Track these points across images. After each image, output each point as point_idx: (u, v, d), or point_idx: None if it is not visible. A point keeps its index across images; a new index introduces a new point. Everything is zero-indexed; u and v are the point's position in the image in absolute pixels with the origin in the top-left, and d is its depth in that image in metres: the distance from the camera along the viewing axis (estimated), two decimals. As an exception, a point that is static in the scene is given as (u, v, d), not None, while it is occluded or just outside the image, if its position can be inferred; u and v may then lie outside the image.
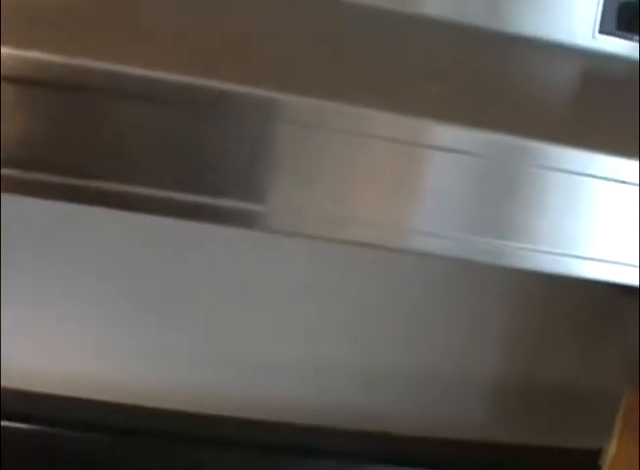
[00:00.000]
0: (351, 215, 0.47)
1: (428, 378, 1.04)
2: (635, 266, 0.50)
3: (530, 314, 1.03)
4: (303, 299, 0.98)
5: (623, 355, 1.02)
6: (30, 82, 0.43)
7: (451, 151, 0.46)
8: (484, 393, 1.06)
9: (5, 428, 0.89)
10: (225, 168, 0.44)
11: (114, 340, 0.97)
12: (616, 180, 0.48)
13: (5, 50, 0.42)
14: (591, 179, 0.48)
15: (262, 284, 0.96)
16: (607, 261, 0.50)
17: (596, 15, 0.60)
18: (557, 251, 0.48)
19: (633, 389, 0.89)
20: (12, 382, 0.92)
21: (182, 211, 0.45)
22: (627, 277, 0.50)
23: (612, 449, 0.90)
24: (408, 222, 0.48)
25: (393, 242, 0.48)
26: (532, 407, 1.06)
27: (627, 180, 0.48)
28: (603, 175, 0.48)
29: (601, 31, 0.61)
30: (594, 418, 1.00)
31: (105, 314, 0.96)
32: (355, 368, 1.02)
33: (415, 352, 1.03)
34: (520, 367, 1.05)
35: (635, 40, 0.61)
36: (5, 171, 0.43)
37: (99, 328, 0.96)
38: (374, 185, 0.47)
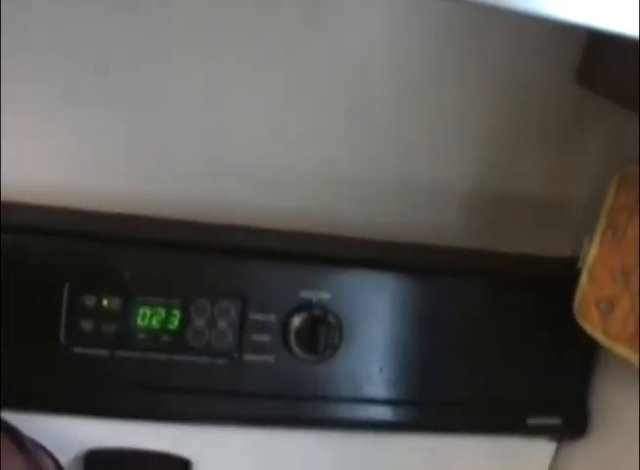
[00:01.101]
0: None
1: (405, 186, 1.08)
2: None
3: (506, 121, 1.04)
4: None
5: (598, 162, 1.04)
6: None
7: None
8: (460, 201, 1.11)
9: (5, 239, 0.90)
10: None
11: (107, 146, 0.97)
12: None
13: None
14: None
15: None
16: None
17: None
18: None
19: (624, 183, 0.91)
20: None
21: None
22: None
23: (593, 251, 0.93)
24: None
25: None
26: (507, 216, 1.12)
27: None
28: None
29: None
30: (568, 228, 1.04)
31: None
32: (344, 175, 1.06)
33: (394, 159, 1.07)
34: (495, 175, 1.10)
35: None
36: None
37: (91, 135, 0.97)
38: None
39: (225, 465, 1.03)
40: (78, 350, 0.95)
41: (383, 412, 1.02)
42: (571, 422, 1.08)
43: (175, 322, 0.96)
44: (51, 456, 0.88)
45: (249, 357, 0.98)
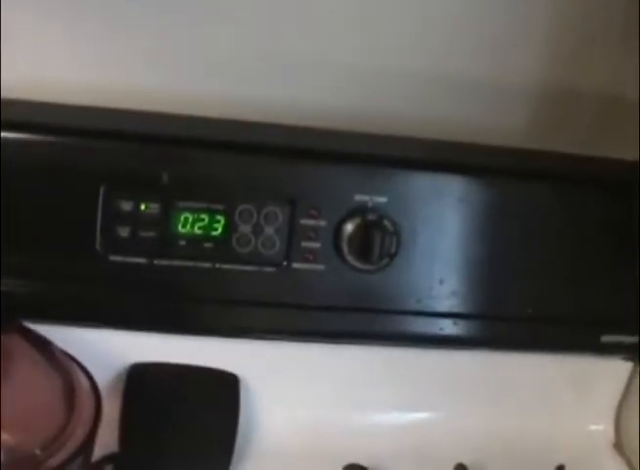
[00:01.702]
0: None
1: (468, 83, 1.02)
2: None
3: (571, 17, 0.96)
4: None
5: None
6: None
7: None
8: (525, 100, 1.05)
9: (5, 138, 0.85)
10: None
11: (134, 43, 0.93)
12: None
13: None
14: None
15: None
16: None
17: None
18: None
19: None
20: (12, 92, 0.89)
21: None
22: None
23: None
24: None
25: None
26: (572, 117, 1.06)
27: None
28: None
29: None
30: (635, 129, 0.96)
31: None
32: (390, 71, 1.00)
33: (456, 55, 1.02)
34: (560, 74, 1.03)
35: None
36: None
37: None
38: None
39: (274, 380, 0.99)
40: (115, 258, 0.91)
41: (444, 327, 0.97)
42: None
43: (219, 229, 0.91)
44: (84, 371, 0.83)
45: (297, 266, 0.93)
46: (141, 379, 0.97)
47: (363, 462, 0.95)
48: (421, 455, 0.98)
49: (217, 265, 0.91)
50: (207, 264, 0.91)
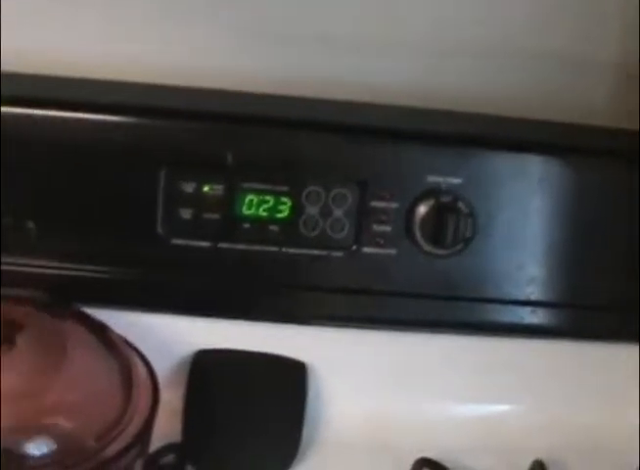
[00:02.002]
0: None
1: (547, 58, 0.98)
2: None
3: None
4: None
5: None
6: None
7: None
8: (607, 77, 1.02)
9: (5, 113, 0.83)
10: None
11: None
12: None
13: None
14: None
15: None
16: None
17: None
18: None
19: None
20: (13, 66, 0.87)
21: None
22: None
23: None
24: None
25: None
26: None
27: None
28: None
29: None
30: None
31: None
32: (463, 44, 0.97)
33: (534, 28, 0.98)
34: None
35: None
36: None
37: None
38: None
39: (343, 369, 0.95)
40: (177, 241, 0.88)
41: (522, 315, 0.92)
42: None
43: (285, 211, 0.88)
44: (143, 358, 0.80)
45: (367, 250, 0.89)
46: (205, 366, 0.95)
47: (435, 456, 0.91)
48: (496, 450, 0.94)
49: (283, 249, 0.89)
50: (273, 248, 0.89)
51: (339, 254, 0.89)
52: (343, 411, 0.96)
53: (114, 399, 0.77)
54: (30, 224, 0.86)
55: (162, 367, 0.88)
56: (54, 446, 0.72)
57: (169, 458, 0.89)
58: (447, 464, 0.91)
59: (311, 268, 0.90)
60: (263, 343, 0.95)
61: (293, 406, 0.94)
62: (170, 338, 0.92)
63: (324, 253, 0.89)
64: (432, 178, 0.88)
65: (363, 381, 0.96)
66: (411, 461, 0.91)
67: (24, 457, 0.72)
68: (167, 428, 0.89)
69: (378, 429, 0.94)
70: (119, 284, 0.89)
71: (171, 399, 0.90)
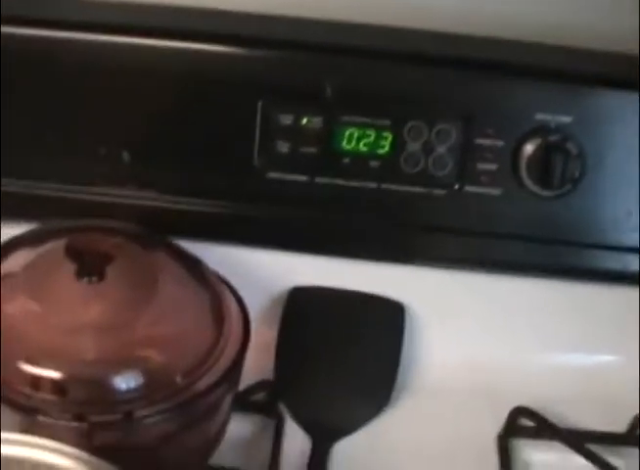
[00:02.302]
0: None
1: None
2: None
3: None
4: None
5: None
6: None
7: None
8: None
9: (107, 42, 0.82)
10: None
11: None
12: None
13: None
14: None
15: None
16: None
17: None
18: None
19: None
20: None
21: None
22: None
23: None
24: None
25: None
26: None
27: None
28: None
29: None
30: None
31: None
32: None
33: None
34: None
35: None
36: None
37: None
38: None
39: (441, 311, 0.93)
40: (274, 174, 0.87)
41: (628, 263, 0.89)
42: None
43: (386, 146, 0.86)
44: (235, 294, 0.79)
45: (470, 189, 0.87)
46: (301, 303, 0.94)
47: (533, 405, 0.88)
48: (596, 402, 0.91)
49: (383, 186, 0.87)
50: (372, 185, 0.87)
51: (440, 192, 0.87)
52: (440, 355, 0.95)
53: (205, 334, 0.76)
54: (125, 155, 0.85)
55: (256, 304, 0.87)
56: (142, 381, 0.72)
57: (260, 396, 0.88)
58: (545, 414, 0.88)
59: (411, 206, 0.88)
60: (361, 281, 0.94)
61: (388, 348, 0.93)
62: (265, 274, 0.92)
63: (425, 190, 0.87)
64: (540, 116, 0.85)
65: (462, 325, 0.94)
66: (508, 409, 0.89)
67: (113, 390, 0.71)
68: (259, 366, 0.89)
69: (475, 375, 0.93)
70: (214, 217, 0.89)
71: (264, 337, 0.89)
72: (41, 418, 0.70)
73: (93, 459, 0.64)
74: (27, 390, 0.71)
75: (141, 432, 0.73)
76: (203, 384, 0.74)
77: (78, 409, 0.71)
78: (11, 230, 0.83)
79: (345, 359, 0.91)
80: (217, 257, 0.85)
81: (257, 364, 0.87)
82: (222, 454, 0.81)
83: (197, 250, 0.84)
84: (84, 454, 0.64)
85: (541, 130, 0.85)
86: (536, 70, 0.87)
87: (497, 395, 0.90)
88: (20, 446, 0.65)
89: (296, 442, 0.87)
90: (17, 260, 0.78)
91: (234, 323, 0.78)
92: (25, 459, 0.65)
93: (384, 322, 0.93)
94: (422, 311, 0.94)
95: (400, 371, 0.92)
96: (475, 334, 0.94)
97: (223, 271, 0.84)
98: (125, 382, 0.72)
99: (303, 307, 0.93)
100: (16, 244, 0.80)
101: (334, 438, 0.87)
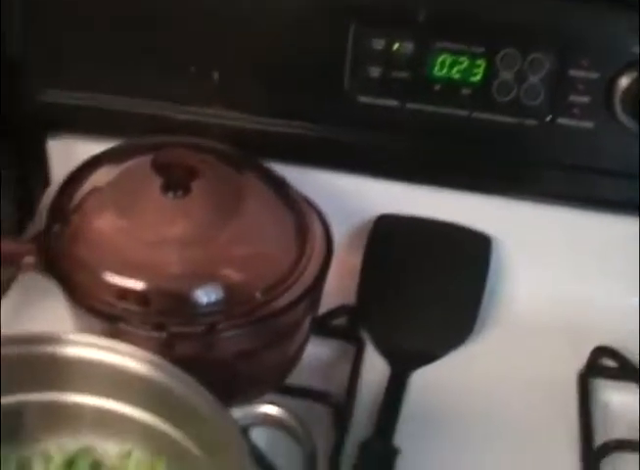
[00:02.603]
0: None
1: None
2: None
3: None
4: None
5: None
6: None
7: None
8: None
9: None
10: None
11: None
12: None
13: None
14: None
15: None
16: None
17: None
18: None
19: None
20: None
21: None
22: None
23: None
24: None
25: None
26: None
27: None
28: None
29: None
30: None
31: None
32: None
33: None
34: None
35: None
36: None
37: None
38: None
39: (529, 245, 0.92)
40: (364, 99, 0.88)
41: None
42: None
43: (478, 74, 0.86)
44: (320, 216, 0.80)
45: (562, 121, 0.86)
46: (387, 231, 0.95)
47: (617, 346, 0.89)
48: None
49: (474, 114, 0.86)
50: (463, 112, 0.87)
51: (532, 122, 0.86)
52: (525, 290, 0.94)
53: (287, 253, 0.77)
54: (215, 75, 0.86)
55: (342, 229, 0.89)
56: (222, 295, 0.73)
57: (341, 321, 0.88)
58: (627, 354, 0.88)
59: (502, 136, 0.88)
60: (448, 212, 0.93)
61: (473, 280, 0.93)
62: (352, 200, 0.92)
63: (516, 120, 0.86)
64: (637, 49, 0.83)
65: (549, 261, 0.94)
66: (589, 348, 0.89)
67: (193, 303, 0.72)
68: (341, 291, 0.90)
69: (559, 312, 0.92)
70: (302, 139, 0.90)
71: (348, 263, 0.90)
72: (123, 326, 0.71)
73: (169, 366, 0.65)
74: (112, 300, 0.73)
75: (220, 346, 0.75)
76: (282, 301, 0.75)
77: (159, 320, 0.71)
78: (96, 147, 0.83)
79: (429, 289, 0.92)
80: (304, 180, 0.85)
81: (339, 289, 0.88)
82: (300, 375, 0.82)
83: (284, 173, 0.84)
84: (161, 360, 0.65)
85: (637, 63, 0.82)
86: (635, 1, 0.84)
87: (580, 333, 0.90)
88: (96, 349, 0.67)
89: (374, 368, 0.87)
90: (102, 176, 0.80)
91: (317, 244, 0.79)
92: (102, 363, 0.66)
93: (470, 254, 0.93)
94: (509, 245, 0.94)
95: (484, 304, 0.91)
96: (561, 271, 0.94)
97: (310, 195, 0.84)
98: (206, 295, 0.73)
99: (389, 235, 0.94)
100: (100, 160, 0.82)
101: (413, 366, 0.87)
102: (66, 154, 0.91)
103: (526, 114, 0.85)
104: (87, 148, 0.85)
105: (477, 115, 0.86)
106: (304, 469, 0.63)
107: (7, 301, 0.88)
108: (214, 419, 0.63)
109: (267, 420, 0.66)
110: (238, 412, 0.64)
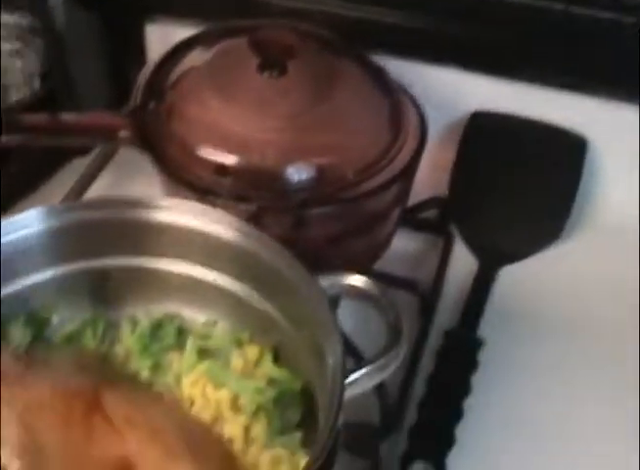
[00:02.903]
0: None
1: None
2: None
3: None
4: None
5: None
6: None
7: None
8: None
9: None
10: None
11: None
12: None
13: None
14: None
15: None
16: None
17: None
18: None
19: None
20: None
21: None
22: None
23: None
24: None
25: None
26: None
27: None
28: None
29: None
30: None
31: None
32: None
33: None
34: None
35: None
36: None
37: None
38: None
39: (624, 150, 0.90)
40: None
41: None
42: None
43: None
44: (416, 105, 0.80)
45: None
46: (482, 127, 0.95)
47: None
48: None
49: (570, 8, 0.84)
50: (560, 6, 0.86)
51: (631, 20, 0.84)
52: (618, 195, 0.93)
53: (380, 138, 0.78)
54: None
55: (438, 122, 0.88)
56: (313, 174, 0.73)
57: (431, 213, 0.88)
58: None
59: (599, 33, 0.87)
60: (544, 111, 0.92)
61: (566, 181, 0.92)
62: (448, 95, 0.92)
63: (614, 16, 0.85)
64: None
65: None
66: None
67: (284, 180, 0.73)
68: (433, 184, 0.90)
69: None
70: (404, 31, 0.90)
71: (440, 156, 0.90)
72: (213, 199, 0.72)
73: (259, 233, 0.66)
74: (204, 174, 0.74)
75: (309, 227, 0.75)
76: (372, 183, 0.75)
77: (249, 193, 0.72)
78: (193, 32, 0.85)
79: (522, 187, 0.91)
80: (402, 72, 0.85)
81: (431, 182, 0.89)
82: (388, 264, 0.82)
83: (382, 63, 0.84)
84: (251, 228, 0.66)
85: None
86: None
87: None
88: (187, 214, 0.68)
89: (462, 262, 0.88)
90: (198, 55, 0.81)
91: (411, 132, 0.79)
92: (193, 229, 0.67)
93: (564, 155, 0.93)
94: (604, 148, 0.92)
95: (575, 206, 0.90)
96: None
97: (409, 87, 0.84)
98: (297, 173, 0.74)
99: (483, 132, 0.93)
100: (197, 40, 0.83)
101: (501, 262, 0.87)
102: (163, 38, 0.91)
103: (625, 10, 0.83)
104: (184, 33, 0.85)
105: (573, 9, 0.84)
106: (388, 342, 0.63)
107: (104, 174, 0.89)
108: (303, 289, 0.63)
109: (352, 291, 0.65)
110: (324, 281, 0.64)
